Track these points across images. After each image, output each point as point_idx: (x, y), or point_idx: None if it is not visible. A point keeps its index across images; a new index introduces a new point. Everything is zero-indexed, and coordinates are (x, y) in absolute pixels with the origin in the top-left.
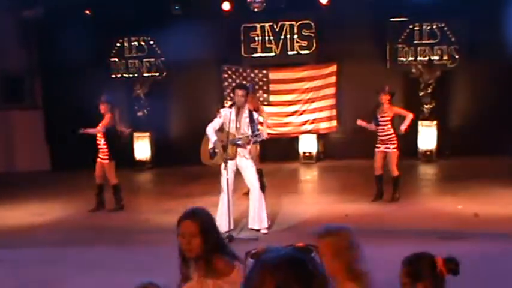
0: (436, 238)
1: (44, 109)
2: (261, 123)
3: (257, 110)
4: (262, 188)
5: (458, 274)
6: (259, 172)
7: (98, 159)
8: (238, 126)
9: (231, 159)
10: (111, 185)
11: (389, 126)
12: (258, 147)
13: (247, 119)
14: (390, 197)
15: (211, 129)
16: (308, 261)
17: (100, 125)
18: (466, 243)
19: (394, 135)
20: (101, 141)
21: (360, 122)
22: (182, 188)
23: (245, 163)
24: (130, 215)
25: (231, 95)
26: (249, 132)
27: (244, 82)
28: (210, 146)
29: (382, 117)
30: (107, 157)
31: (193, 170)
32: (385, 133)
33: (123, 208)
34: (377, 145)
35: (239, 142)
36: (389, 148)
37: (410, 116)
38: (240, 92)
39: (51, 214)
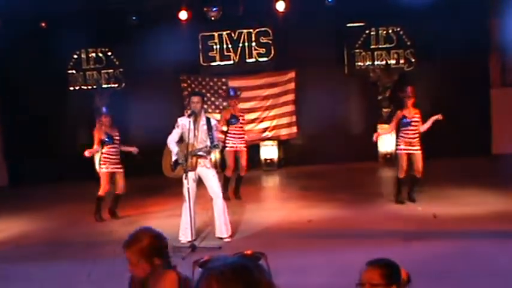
0: (397, 240)
1: (1, 124)
2: (223, 132)
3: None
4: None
5: None
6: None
7: (116, 170)
8: (196, 134)
9: (192, 170)
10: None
11: (418, 127)
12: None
13: (205, 127)
14: (413, 197)
15: (172, 141)
16: (254, 268)
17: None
18: (426, 243)
19: (419, 136)
20: (119, 152)
21: (376, 137)
22: (144, 199)
23: (206, 172)
24: (94, 227)
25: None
26: (208, 141)
27: (203, 90)
28: (173, 157)
29: (413, 117)
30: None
31: (154, 181)
32: (415, 134)
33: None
34: (403, 147)
35: (199, 153)
36: (416, 150)
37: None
38: (195, 99)
39: (10, 230)
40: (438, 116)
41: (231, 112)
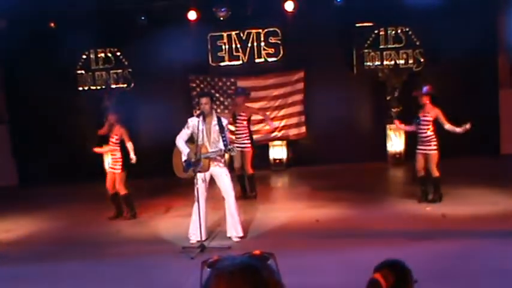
0: (405, 240)
1: (10, 123)
2: (231, 132)
3: (247, 114)
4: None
5: None
6: (252, 178)
7: (110, 170)
8: (208, 134)
9: (204, 171)
10: (122, 195)
11: (430, 127)
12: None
13: (217, 127)
14: (431, 197)
15: (181, 141)
16: (263, 268)
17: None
18: (434, 243)
19: (434, 136)
20: (117, 153)
21: (397, 125)
22: (151, 199)
23: (219, 171)
24: (102, 227)
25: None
26: (220, 141)
27: (212, 91)
28: (184, 158)
29: (424, 116)
30: (120, 167)
31: (162, 181)
32: (426, 134)
33: (136, 216)
34: (418, 147)
35: (212, 156)
36: (429, 150)
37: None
38: (203, 100)
39: (20, 230)
40: (467, 126)
41: (233, 111)
